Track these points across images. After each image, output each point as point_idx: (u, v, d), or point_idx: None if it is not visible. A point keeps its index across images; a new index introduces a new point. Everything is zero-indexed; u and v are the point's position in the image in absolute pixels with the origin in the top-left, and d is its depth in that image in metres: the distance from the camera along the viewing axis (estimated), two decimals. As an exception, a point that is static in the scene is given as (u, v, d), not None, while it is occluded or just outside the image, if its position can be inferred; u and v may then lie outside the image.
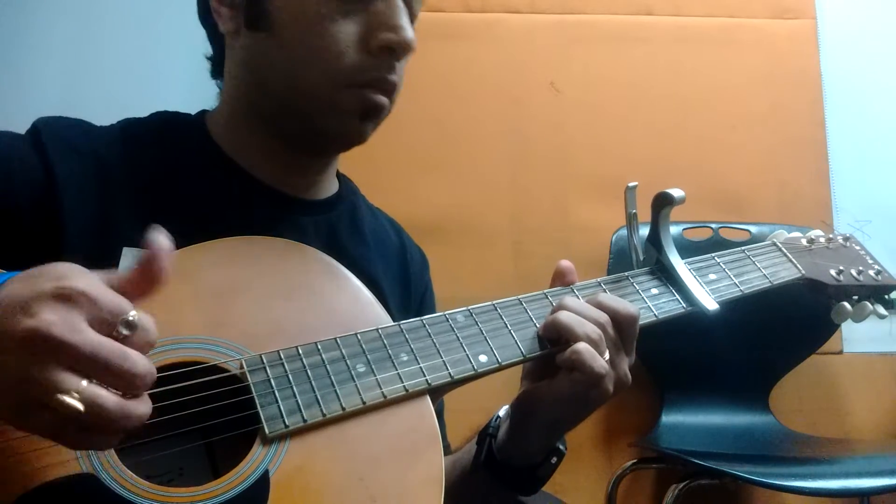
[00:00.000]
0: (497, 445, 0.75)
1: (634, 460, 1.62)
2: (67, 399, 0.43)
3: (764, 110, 1.83)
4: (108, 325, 0.46)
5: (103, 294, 0.47)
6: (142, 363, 0.46)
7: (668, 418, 1.60)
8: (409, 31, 0.72)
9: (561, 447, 0.75)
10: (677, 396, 1.61)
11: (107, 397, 0.45)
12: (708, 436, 1.56)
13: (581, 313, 0.68)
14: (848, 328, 1.73)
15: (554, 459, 0.75)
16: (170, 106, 0.85)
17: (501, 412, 0.77)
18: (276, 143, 0.79)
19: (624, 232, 1.63)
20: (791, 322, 1.57)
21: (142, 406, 0.47)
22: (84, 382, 0.44)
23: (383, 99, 0.74)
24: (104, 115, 0.83)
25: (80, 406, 0.43)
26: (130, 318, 0.47)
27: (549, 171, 1.79)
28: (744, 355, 1.56)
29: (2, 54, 1.77)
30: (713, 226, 1.66)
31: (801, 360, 1.64)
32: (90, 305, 0.46)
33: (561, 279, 0.75)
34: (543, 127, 1.81)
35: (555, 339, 0.69)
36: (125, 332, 0.47)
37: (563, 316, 0.68)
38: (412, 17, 0.76)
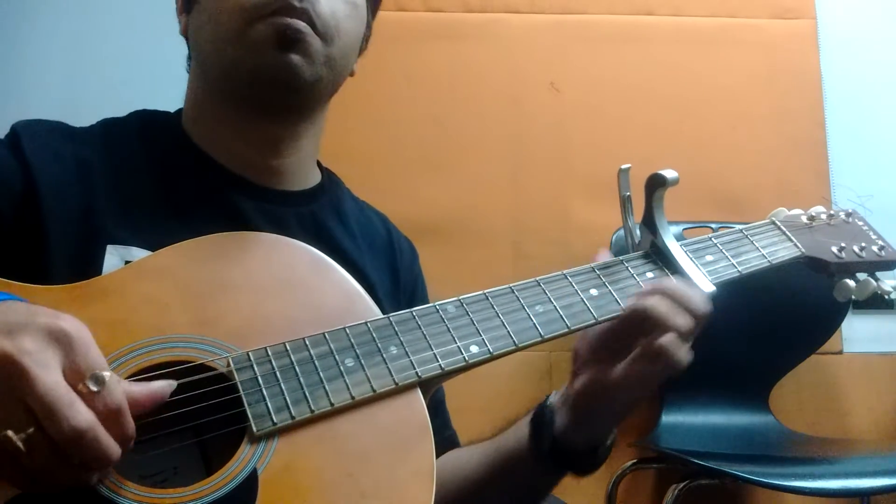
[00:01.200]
0: (556, 434, 0.75)
1: (634, 460, 1.61)
2: (14, 438, 0.44)
3: (764, 110, 1.83)
4: (79, 375, 0.48)
5: (86, 346, 0.49)
6: (82, 417, 0.46)
7: (668, 418, 1.60)
8: None
9: (614, 431, 0.77)
10: (677, 396, 1.61)
11: (43, 450, 0.46)
12: (708, 436, 1.56)
13: (682, 302, 0.69)
14: (848, 328, 1.73)
15: (609, 441, 0.76)
16: (171, 105, 0.86)
17: (552, 399, 0.78)
18: (235, 118, 0.80)
19: (623, 231, 1.63)
20: (791, 322, 1.57)
21: (70, 473, 0.48)
22: (32, 429, 0.45)
23: (298, 23, 0.73)
24: (105, 115, 0.83)
25: (22, 448, 0.45)
26: (99, 375, 0.48)
27: (549, 171, 1.79)
28: (744, 355, 1.56)
29: (2, 54, 1.77)
30: (713, 226, 1.66)
31: (801, 360, 1.64)
32: (69, 350, 0.48)
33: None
34: (543, 127, 1.81)
35: (637, 320, 0.69)
36: (92, 386, 0.47)
37: (660, 306, 0.68)
38: None
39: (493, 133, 1.80)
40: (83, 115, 0.82)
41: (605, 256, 0.76)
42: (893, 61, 1.88)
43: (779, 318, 1.55)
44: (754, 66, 1.85)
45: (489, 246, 1.74)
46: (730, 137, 1.81)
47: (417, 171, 1.76)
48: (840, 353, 1.74)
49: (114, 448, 0.48)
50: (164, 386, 0.53)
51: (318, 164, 0.90)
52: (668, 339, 0.66)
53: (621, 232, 1.62)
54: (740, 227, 0.83)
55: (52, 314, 0.49)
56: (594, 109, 1.82)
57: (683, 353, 0.67)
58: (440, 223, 1.72)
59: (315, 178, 0.88)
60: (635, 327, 0.69)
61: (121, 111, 0.84)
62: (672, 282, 0.72)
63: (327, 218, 0.84)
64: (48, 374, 0.46)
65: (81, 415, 0.46)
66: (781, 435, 1.58)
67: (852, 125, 1.83)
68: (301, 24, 0.73)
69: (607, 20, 1.86)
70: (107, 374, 0.48)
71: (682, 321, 0.68)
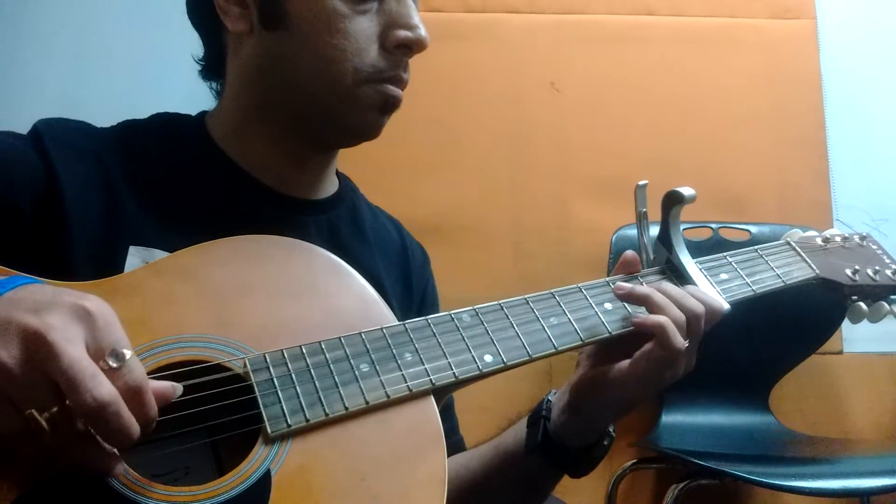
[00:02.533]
0: (551, 428, 0.76)
1: (634, 460, 1.61)
2: (38, 416, 0.45)
3: (764, 110, 1.83)
4: (101, 351, 0.48)
5: (109, 323, 0.50)
6: (105, 388, 0.46)
7: (668, 418, 1.60)
8: (423, 30, 0.75)
9: (612, 430, 0.78)
10: (677, 396, 1.61)
11: (67, 430, 0.46)
12: (708, 436, 1.56)
13: (678, 302, 0.70)
14: (848, 328, 1.73)
15: (606, 441, 0.77)
16: (171, 106, 0.85)
17: (552, 396, 0.79)
18: (284, 144, 0.80)
19: (624, 231, 1.63)
20: (791, 322, 1.57)
21: (95, 452, 0.48)
22: (55, 408, 0.46)
23: (399, 92, 0.77)
24: (105, 115, 0.83)
25: (46, 427, 0.45)
26: (120, 352, 0.48)
27: (549, 171, 1.79)
28: (744, 355, 1.56)
29: (2, 54, 1.77)
30: (713, 226, 1.66)
31: (801, 360, 1.65)
32: (93, 327, 0.49)
33: (625, 269, 0.77)
34: (543, 127, 1.81)
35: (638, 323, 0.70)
36: (112, 362, 0.48)
37: (658, 297, 0.70)
38: None
39: (493, 133, 1.80)
40: (83, 116, 0.81)
41: (632, 256, 0.77)
42: (893, 61, 1.89)
43: (779, 318, 1.55)
44: (754, 66, 1.85)
45: (489, 246, 1.75)
46: (730, 137, 1.81)
47: (417, 171, 1.76)
48: (840, 353, 1.74)
49: (134, 426, 0.48)
50: (168, 388, 0.53)
51: (336, 170, 0.91)
52: (663, 322, 0.68)
53: (622, 232, 1.64)
54: (756, 246, 0.85)
55: (78, 294, 0.50)
56: (594, 109, 1.82)
57: (687, 361, 0.69)
58: (440, 223, 1.72)
59: (333, 185, 0.88)
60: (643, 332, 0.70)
61: (120, 111, 0.84)
62: (672, 286, 0.73)
63: (344, 226, 0.85)
64: (73, 348, 0.46)
65: (104, 386, 0.46)
66: (781, 435, 1.58)
67: (852, 125, 1.84)
68: (401, 94, 0.78)
69: (607, 20, 1.86)
70: (128, 352, 0.49)
71: (675, 315, 0.69)
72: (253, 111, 0.80)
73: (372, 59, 0.74)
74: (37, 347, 0.46)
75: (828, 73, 1.85)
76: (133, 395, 0.48)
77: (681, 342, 0.68)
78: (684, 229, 1.65)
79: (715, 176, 1.78)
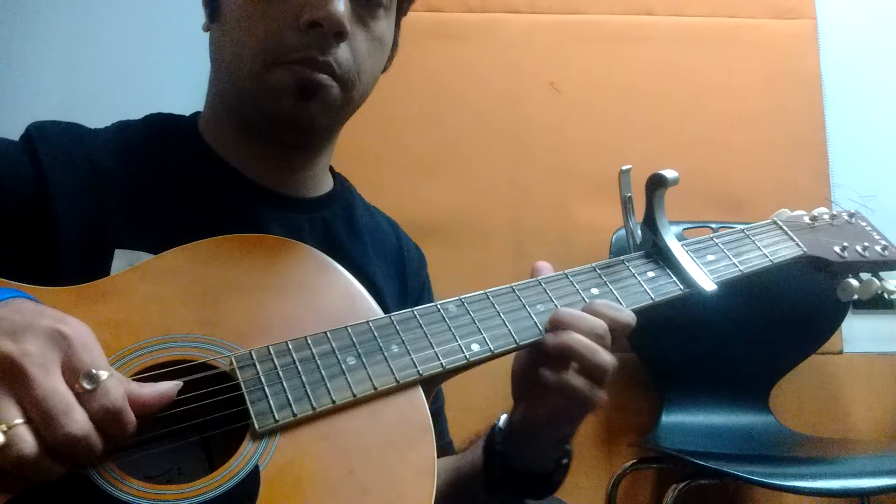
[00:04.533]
0: (507, 459, 0.75)
1: (634, 460, 1.61)
2: None
3: (764, 110, 1.83)
4: (76, 374, 0.48)
5: (86, 345, 0.49)
6: (77, 426, 0.46)
7: (668, 418, 1.60)
8: (336, 6, 0.69)
9: (569, 448, 0.76)
10: (677, 396, 1.61)
11: (25, 445, 0.46)
12: (708, 436, 1.56)
13: (579, 322, 0.67)
14: (848, 328, 1.73)
15: (565, 461, 0.76)
16: (170, 107, 0.86)
17: (501, 422, 0.77)
18: (250, 143, 0.79)
19: (624, 232, 1.63)
20: (791, 322, 1.57)
21: (56, 468, 0.48)
22: (19, 421, 0.45)
23: (320, 76, 0.72)
24: (105, 115, 0.83)
25: (0, 438, 0.45)
26: (93, 373, 0.48)
27: (549, 171, 1.79)
28: (744, 355, 1.56)
29: (2, 54, 1.77)
30: (713, 226, 1.66)
31: (801, 360, 1.64)
32: (69, 350, 0.48)
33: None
34: (543, 127, 1.81)
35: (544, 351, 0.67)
36: (86, 385, 0.48)
37: (570, 339, 0.66)
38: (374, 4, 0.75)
39: (493, 133, 1.80)
40: (83, 116, 0.81)
41: (547, 270, 0.74)
42: (893, 61, 1.88)
43: (779, 318, 1.55)
44: (754, 66, 1.85)
45: (489, 246, 1.75)
46: (730, 137, 1.81)
47: (417, 171, 1.76)
48: (840, 353, 1.74)
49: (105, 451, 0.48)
50: (171, 386, 0.54)
51: (331, 168, 0.90)
52: (570, 374, 0.65)
53: (622, 232, 1.64)
54: (742, 226, 0.84)
55: (57, 317, 0.50)
56: (594, 109, 1.82)
57: (602, 358, 0.65)
58: (440, 223, 1.72)
59: (328, 184, 0.88)
60: (545, 357, 0.67)
61: (120, 111, 0.84)
62: (567, 310, 0.68)
63: (338, 224, 0.84)
64: (46, 377, 0.46)
65: (76, 423, 0.46)
66: (781, 435, 1.58)
67: (852, 125, 1.84)
68: (322, 77, 0.72)
69: (607, 20, 1.86)
70: (103, 373, 0.49)
71: (590, 329, 0.66)
72: (220, 112, 0.81)
73: (281, 39, 0.71)
74: (12, 375, 0.46)
75: (828, 73, 1.85)
76: (110, 417, 0.49)
77: (603, 358, 0.65)
78: (684, 229, 1.66)
79: (714, 176, 1.78)
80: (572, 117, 1.81)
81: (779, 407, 1.65)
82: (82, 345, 0.49)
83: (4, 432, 0.45)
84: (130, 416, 0.50)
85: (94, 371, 0.48)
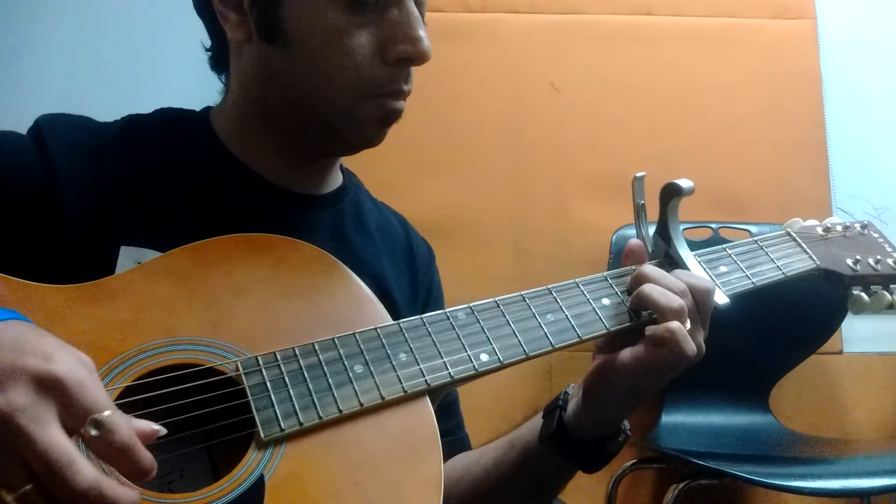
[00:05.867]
0: (566, 418, 0.75)
1: (634, 460, 1.61)
2: (7, 496, 0.42)
3: (764, 110, 1.83)
4: (78, 420, 0.45)
5: (81, 384, 0.45)
6: (83, 478, 0.43)
7: (668, 418, 1.60)
8: (425, 42, 0.72)
9: (626, 428, 0.77)
10: (677, 396, 1.61)
11: None
12: (708, 436, 1.56)
13: (662, 282, 0.69)
14: (848, 328, 1.73)
15: (621, 438, 0.76)
16: (173, 102, 0.85)
17: (570, 388, 0.78)
18: (287, 146, 0.79)
19: (624, 231, 1.63)
20: (791, 322, 1.57)
21: None
22: (27, 487, 0.43)
23: (400, 104, 0.76)
24: (106, 111, 0.83)
25: None
26: (99, 418, 0.45)
27: (549, 171, 1.79)
28: (744, 355, 1.56)
29: (2, 53, 1.77)
30: (713, 226, 1.66)
31: (801, 360, 1.64)
32: (63, 397, 0.45)
33: (633, 259, 0.76)
34: (543, 127, 1.81)
35: (639, 310, 0.70)
36: (92, 432, 0.45)
37: (647, 288, 0.69)
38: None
39: (494, 133, 1.80)
40: (85, 112, 0.81)
41: (636, 244, 0.77)
42: (893, 61, 1.88)
43: (779, 318, 1.55)
44: (754, 66, 1.84)
45: (489, 246, 1.75)
46: (730, 137, 1.81)
47: (417, 171, 1.76)
48: (840, 353, 1.74)
49: (123, 493, 0.45)
50: (148, 430, 0.49)
51: (340, 164, 0.90)
52: (672, 328, 0.66)
53: (622, 232, 1.64)
54: (754, 235, 0.84)
55: (42, 356, 0.45)
56: (594, 109, 1.82)
57: (690, 347, 0.66)
58: (440, 223, 1.72)
59: (337, 180, 0.88)
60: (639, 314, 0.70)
61: (123, 108, 0.83)
62: (652, 267, 0.72)
63: (347, 221, 0.84)
64: (44, 431, 0.43)
65: (81, 475, 0.43)
66: (781, 435, 1.58)
67: (852, 125, 1.83)
68: (403, 106, 0.76)
69: (607, 20, 1.86)
70: (106, 413, 0.45)
71: (673, 300, 0.67)
72: (253, 116, 0.79)
73: (371, 74, 0.72)
74: (8, 434, 0.42)
75: (828, 73, 1.85)
76: (123, 456, 0.46)
77: (691, 346, 0.66)
78: (684, 229, 1.65)
79: (715, 176, 1.78)
80: (572, 117, 1.81)
81: (779, 407, 1.66)
82: (78, 385, 0.45)
83: (17, 498, 0.43)
84: (143, 452, 0.47)
85: (97, 417, 0.45)
